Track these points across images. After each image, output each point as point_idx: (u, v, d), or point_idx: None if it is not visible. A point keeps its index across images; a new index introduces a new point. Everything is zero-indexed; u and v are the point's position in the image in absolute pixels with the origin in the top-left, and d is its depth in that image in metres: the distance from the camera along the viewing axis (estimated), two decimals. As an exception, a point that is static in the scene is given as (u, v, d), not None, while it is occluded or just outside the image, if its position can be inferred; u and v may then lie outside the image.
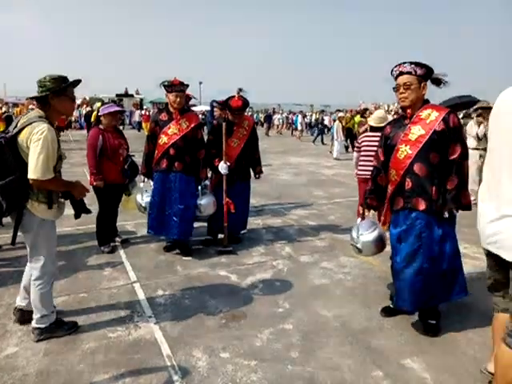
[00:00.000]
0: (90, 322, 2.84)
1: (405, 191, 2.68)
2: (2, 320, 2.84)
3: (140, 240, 4.48)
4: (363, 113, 9.93)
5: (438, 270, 2.68)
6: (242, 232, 4.67)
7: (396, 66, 2.63)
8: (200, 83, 43.62)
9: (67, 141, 16.63)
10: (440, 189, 2.60)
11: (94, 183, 4.07)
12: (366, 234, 2.91)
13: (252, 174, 4.55)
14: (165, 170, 3.91)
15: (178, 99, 3.82)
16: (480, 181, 6.82)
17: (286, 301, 3.22)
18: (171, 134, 3.88)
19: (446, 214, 2.61)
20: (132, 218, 5.08)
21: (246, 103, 4.15)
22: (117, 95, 30.73)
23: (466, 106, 8.11)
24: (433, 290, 2.70)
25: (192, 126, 3.92)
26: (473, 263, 4.07)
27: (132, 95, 31.89)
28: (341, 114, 13.06)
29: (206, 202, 4.05)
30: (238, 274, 3.70)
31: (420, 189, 2.62)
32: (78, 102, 27.95)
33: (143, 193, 4.15)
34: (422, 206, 2.63)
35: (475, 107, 6.89)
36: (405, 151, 2.66)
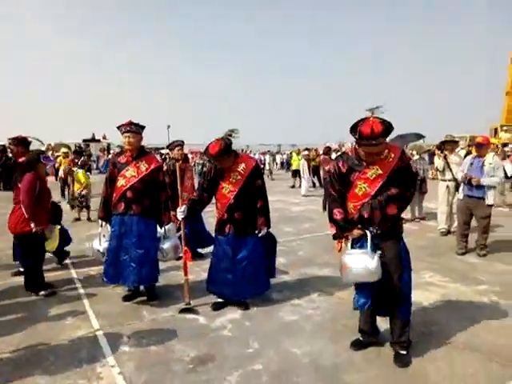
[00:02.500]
0: (49, 374, 2.66)
1: (358, 222, 2.82)
2: None
3: (104, 286, 4.30)
4: (327, 151, 10.25)
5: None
6: (249, 296, 3.82)
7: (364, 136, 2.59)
8: (168, 127, 44.08)
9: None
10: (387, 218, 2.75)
11: (35, 229, 4.05)
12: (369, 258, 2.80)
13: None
14: (122, 214, 3.82)
15: (128, 139, 3.79)
16: (450, 210, 6.95)
17: (255, 340, 3.15)
18: (129, 176, 3.83)
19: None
20: (93, 263, 4.91)
21: (225, 147, 3.48)
22: (83, 140, 30.48)
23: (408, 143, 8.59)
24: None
25: (151, 168, 3.87)
26: (439, 292, 4.16)
27: (99, 140, 31.73)
28: (305, 153, 13.43)
29: (168, 246, 3.93)
30: (206, 316, 3.60)
31: (371, 219, 2.77)
32: (43, 148, 27.54)
33: (101, 238, 4.00)
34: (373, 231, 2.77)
35: (441, 141, 7.22)
36: (363, 189, 2.77)
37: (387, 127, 2.60)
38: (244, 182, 3.58)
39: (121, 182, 3.85)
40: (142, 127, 3.95)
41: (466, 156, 6.66)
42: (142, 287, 4.10)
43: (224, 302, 3.76)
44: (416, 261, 5.19)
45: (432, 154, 8.06)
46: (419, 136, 8.10)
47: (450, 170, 6.74)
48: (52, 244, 4.49)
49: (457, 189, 6.72)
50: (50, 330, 3.34)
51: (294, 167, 15.79)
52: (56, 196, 12.60)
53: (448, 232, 6.85)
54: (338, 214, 2.90)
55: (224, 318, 3.57)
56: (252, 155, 31.27)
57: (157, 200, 3.94)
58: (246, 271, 3.61)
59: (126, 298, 3.99)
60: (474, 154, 5.78)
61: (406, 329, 2.84)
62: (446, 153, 6.83)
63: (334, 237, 2.98)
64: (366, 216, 2.77)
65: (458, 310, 3.70)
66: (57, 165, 14.39)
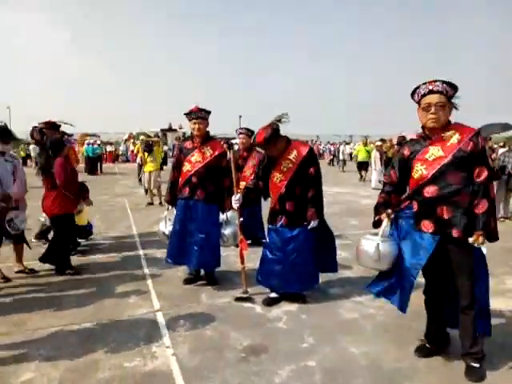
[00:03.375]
0: (109, 350, 2.80)
1: (413, 213, 2.56)
2: (22, 346, 2.86)
3: (168, 268, 4.45)
4: (401, 142, 9.60)
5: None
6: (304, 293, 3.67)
7: (425, 84, 2.46)
8: (240, 117, 44.79)
9: (114, 173, 17.45)
10: (458, 210, 2.40)
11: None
12: (387, 242, 2.64)
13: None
14: (187, 198, 3.90)
15: (197, 126, 3.85)
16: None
17: (311, 335, 3.03)
18: (194, 161, 3.90)
19: (471, 241, 2.39)
20: (160, 246, 5.10)
21: (272, 134, 3.31)
22: (161, 130, 32.13)
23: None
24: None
25: (216, 154, 3.90)
26: (523, 300, 3.67)
27: (175, 130, 33.22)
28: (378, 143, 12.75)
29: (229, 232, 3.96)
30: (262, 306, 3.55)
31: (427, 211, 2.48)
32: (125, 136, 29.56)
33: (166, 221, 4.14)
34: (430, 228, 2.47)
35: None
36: (419, 171, 2.50)
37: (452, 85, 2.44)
38: (295, 171, 3.36)
39: (186, 166, 3.94)
40: (209, 112, 3.97)
41: None
42: (202, 271, 4.17)
43: (277, 298, 3.62)
44: (499, 264, 4.73)
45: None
46: (508, 126, 7.23)
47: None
48: (82, 219, 5.18)
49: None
50: (115, 307, 3.52)
51: (359, 159, 15.03)
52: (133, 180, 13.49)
53: (540, 234, 6.06)
54: (379, 197, 2.76)
55: (280, 309, 3.49)
56: (322, 146, 30.94)
57: (220, 186, 3.97)
58: (295, 264, 3.42)
59: (187, 281, 4.09)
60: None
61: (478, 340, 2.53)
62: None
63: (373, 224, 2.78)
64: (414, 209, 2.54)
65: (547, 322, 3.23)
66: (134, 151, 15.29)
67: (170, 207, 4.13)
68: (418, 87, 2.51)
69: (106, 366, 2.60)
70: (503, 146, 7.67)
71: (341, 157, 21.50)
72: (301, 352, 2.80)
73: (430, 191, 2.46)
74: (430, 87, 2.44)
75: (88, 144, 18.43)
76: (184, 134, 32.05)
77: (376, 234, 2.66)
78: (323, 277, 4.26)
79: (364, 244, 2.68)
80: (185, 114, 3.97)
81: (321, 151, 30.64)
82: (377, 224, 2.75)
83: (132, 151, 21.21)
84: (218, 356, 2.74)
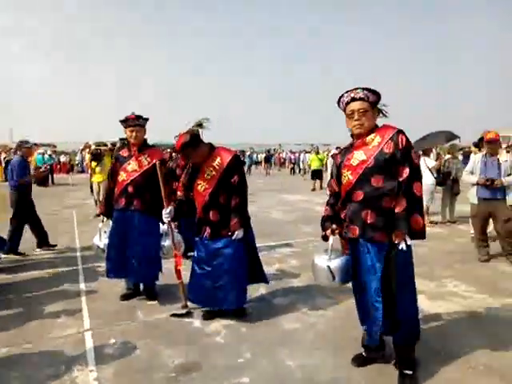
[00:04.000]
0: (24, 377, 2.54)
1: (344, 220, 2.56)
2: None
3: (106, 283, 4.20)
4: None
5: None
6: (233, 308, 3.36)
7: (347, 92, 2.48)
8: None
9: (67, 184, 16.71)
10: (382, 214, 2.38)
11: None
12: (337, 259, 2.60)
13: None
14: (123, 209, 3.70)
15: (134, 134, 3.67)
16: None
17: (249, 350, 2.90)
18: (130, 170, 3.70)
19: (397, 242, 2.34)
20: (102, 260, 4.82)
21: (190, 140, 3.14)
22: (120, 139, 31.27)
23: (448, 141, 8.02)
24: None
25: (154, 161, 3.71)
26: (462, 303, 3.74)
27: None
28: (334, 151, 12.98)
29: (169, 244, 3.74)
30: (201, 320, 3.39)
31: (354, 216, 2.46)
32: (81, 146, 28.49)
33: (101, 234, 3.89)
34: (356, 233, 2.46)
35: (479, 138, 6.70)
36: (346, 177, 2.49)
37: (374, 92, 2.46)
38: (219, 179, 3.18)
39: (122, 176, 3.74)
40: (146, 119, 3.82)
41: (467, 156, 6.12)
42: (142, 286, 3.96)
43: (216, 311, 3.42)
44: (441, 267, 4.83)
45: (467, 155, 7.48)
46: (453, 136, 7.53)
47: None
48: None
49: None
50: (40, 328, 3.25)
51: (312, 167, 14.55)
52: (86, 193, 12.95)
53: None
54: (324, 211, 2.72)
55: (219, 323, 3.34)
56: (284, 155, 31.18)
57: (159, 195, 3.77)
58: (223, 279, 3.22)
59: (124, 297, 3.86)
60: (482, 152, 5.33)
61: (411, 347, 2.50)
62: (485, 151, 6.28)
63: (322, 238, 2.71)
64: (345, 216, 2.53)
65: (481, 324, 3.28)
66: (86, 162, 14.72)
67: (105, 219, 3.90)
68: (341, 96, 2.52)
69: (16, 396, 2.36)
70: (448, 153, 7.97)
71: (301, 165, 21.78)
72: (236, 368, 2.67)
73: (357, 196, 2.45)
74: (352, 95, 2.46)
75: (39, 154, 17.57)
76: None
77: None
78: (268, 287, 4.19)
79: (316, 263, 2.63)
80: (120, 122, 3.78)
81: (282, 160, 31.01)
82: (325, 239, 2.69)
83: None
84: (146, 377, 2.56)
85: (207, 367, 2.67)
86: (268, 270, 4.82)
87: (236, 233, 3.21)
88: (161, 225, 3.84)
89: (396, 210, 2.36)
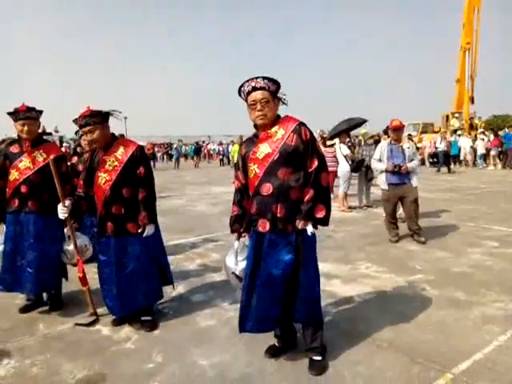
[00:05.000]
0: None
1: (251, 215, 2.50)
2: None
3: (3, 295, 3.76)
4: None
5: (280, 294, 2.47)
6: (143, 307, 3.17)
7: (247, 82, 2.41)
8: (125, 118, 42.55)
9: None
10: (291, 206, 2.39)
11: None
12: (243, 261, 2.60)
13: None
14: (16, 211, 3.32)
15: (26, 128, 3.28)
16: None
17: (160, 353, 2.76)
18: (23, 168, 3.32)
19: (300, 226, 2.39)
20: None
21: (102, 112, 3.01)
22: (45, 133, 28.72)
23: (356, 126, 8.47)
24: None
25: (50, 158, 3.31)
26: (372, 284, 3.93)
27: (50, 133, 30.02)
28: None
29: (73, 247, 3.37)
30: (111, 326, 3.18)
31: (263, 209, 2.42)
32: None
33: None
34: (266, 227, 2.42)
35: (387, 126, 7.05)
36: (253, 170, 2.45)
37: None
38: (121, 170, 2.97)
39: (14, 175, 3.34)
40: (41, 112, 3.45)
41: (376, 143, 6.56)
42: (45, 296, 3.61)
43: (127, 316, 3.20)
44: (356, 251, 5.06)
45: (377, 142, 7.94)
46: (359, 121, 7.98)
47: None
48: None
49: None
50: None
51: (235, 160, 14.94)
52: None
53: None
54: (232, 211, 2.66)
55: (131, 328, 3.15)
56: (211, 146, 30.98)
57: (57, 194, 3.42)
58: (130, 281, 3.03)
59: (25, 309, 3.48)
60: (387, 139, 5.75)
61: (317, 333, 2.55)
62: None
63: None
64: (253, 210, 2.48)
65: (388, 303, 3.47)
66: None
67: None
68: (242, 85, 2.45)
69: None
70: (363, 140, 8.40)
71: (230, 157, 21.72)
72: (144, 374, 2.52)
73: (265, 190, 2.40)
74: (253, 84, 2.39)
75: None
76: (61, 138, 29.19)
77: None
78: (187, 284, 4.07)
79: (226, 265, 2.68)
80: (9, 114, 3.35)
81: (211, 152, 30.77)
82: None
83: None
84: (41, 398, 2.31)
85: (113, 377, 2.49)
86: (189, 265, 4.73)
87: (147, 228, 3.03)
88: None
89: (304, 200, 2.38)
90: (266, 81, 2.39)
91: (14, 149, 3.42)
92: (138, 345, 2.89)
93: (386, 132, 7.05)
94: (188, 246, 5.62)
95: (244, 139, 2.77)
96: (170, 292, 3.74)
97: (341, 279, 4.07)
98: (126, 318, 3.21)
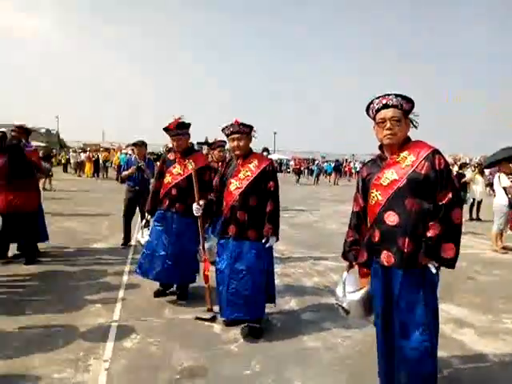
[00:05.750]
0: (45, 358, 2.73)
1: (373, 244, 2.29)
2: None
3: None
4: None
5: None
6: (252, 321, 3.25)
7: (377, 98, 2.26)
8: (274, 133, 45.26)
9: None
10: (417, 241, 2.14)
11: None
12: (353, 293, 2.48)
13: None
14: (165, 210, 3.84)
15: (175, 143, 3.83)
16: None
17: (260, 362, 2.82)
18: (175, 173, 3.85)
19: (423, 262, 2.13)
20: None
21: (249, 126, 3.29)
22: (197, 143, 32.69)
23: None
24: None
25: (199, 166, 3.81)
26: (515, 343, 3.26)
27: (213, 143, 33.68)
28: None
29: (207, 247, 3.70)
30: (223, 325, 3.38)
31: (388, 241, 2.21)
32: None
33: (143, 231, 4.06)
34: (390, 260, 2.19)
35: None
36: (375, 197, 2.28)
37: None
38: (253, 180, 3.18)
39: (167, 178, 3.89)
40: (189, 125, 3.90)
41: None
42: (174, 286, 4.07)
43: (240, 320, 3.31)
44: (503, 300, 4.27)
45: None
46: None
47: None
48: None
49: None
50: (74, 315, 3.47)
51: None
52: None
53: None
54: (347, 236, 2.52)
55: (239, 330, 3.29)
56: (356, 165, 30.31)
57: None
58: (241, 286, 3.14)
59: (157, 294, 3.99)
60: None
61: None
62: None
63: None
64: (375, 239, 2.28)
65: (533, 372, 2.82)
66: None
67: (150, 216, 4.06)
68: (371, 102, 2.30)
69: (32, 376, 2.53)
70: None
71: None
72: (239, 379, 2.61)
73: (390, 220, 2.21)
74: (384, 101, 2.24)
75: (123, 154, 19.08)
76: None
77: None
78: (300, 300, 4.07)
79: (336, 295, 2.54)
80: (164, 130, 3.85)
81: (352, 170, 30.08)
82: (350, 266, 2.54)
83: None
84: (152, 376, 2.60)
85: (212, 374, 2.64)
86: (306, 282, 4.71)
87: (270, 239, 3.17)
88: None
89: (428, 234, 2.13)
90: (399, 98, 2.21)
91: (171, 156, 4.00)
92: (242, 349, 3.01)
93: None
94: (310, 262, 5.59)
95: (367, 160, 2.61)
96: (280, 305, 3.79)
97: (475, 330, 3.49)
98: (238, 321, 3.37)
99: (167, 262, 3.77)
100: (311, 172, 27.29)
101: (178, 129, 3.80)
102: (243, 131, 3.27)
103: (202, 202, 3.44)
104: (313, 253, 6.13)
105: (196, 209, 3.45)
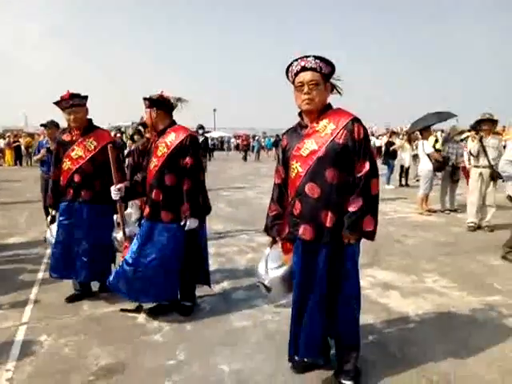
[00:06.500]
0: None
1: (294, 217, 2.19)
2: None
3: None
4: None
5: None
6: (184, 303, 3.22)
7: (296, 61, 2.11)
8: (214, 110, 44.43)
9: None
10: (339, 214, 2.09)
11: None
12: (276, 269, 2.38)
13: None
14: (71, 200, 3.37)
15: (72, 116, 3.28)
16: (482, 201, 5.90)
17: (185, 349, 2.67)
18: (75, 157, 3.35)
19: (346, 241, 2.11)
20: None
21: (163, 97, 3.03)
22: (133, 123, 31.16)
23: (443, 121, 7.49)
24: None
25: (102, 145, 3.36)
26: (437, 301, 3.41)
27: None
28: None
29: (127, 233, 3.32)
30: (148, 315, 3.18)
31: (309, 214, 2.12)
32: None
33: (51, 228, 3.56)
34: (310, 234, 2.12)
35: (476, 120, 6.12)
36: (295, 169, 2.17)
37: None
38: (167, 156, 2.93)
39: (66, 164, 3.37)
40: (85, 97, 3.40)
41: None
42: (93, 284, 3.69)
43: (167, 306, 3.19)
44: (425, 260, 4.48)
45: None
46: (449, 115, 7.06)
47: (486, 154, 5.75)
48: None
49: (492, 178, 5.74)
50: (-24, 320, 3.09)
51: None
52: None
53: (478, 227, 5.89)
54: (269, 209, 2.43)
55: (166, 318, 3.11)
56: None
57: (110, 182, 3.47)
58: (149, 270, 2.95)
59: (71, 299, 3.48)
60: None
61: (351, 355, 2.22)
62: (482, 134, 5.82)
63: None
64: (296, 213, 2.19)
65: (450, 327, 2.96)
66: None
67: (54, 212, 3.56)
68: (290, 64, 2.15)
69: None
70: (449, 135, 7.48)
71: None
72: (162, 370, 2.44)
73: (310, 192, 2.12)
74: (303, 63, 2.09)
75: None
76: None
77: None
78: (233, 280, 3.96)
79: (257, 273, 2.45)
80: (55, 103, 3.34)
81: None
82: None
83: None
84: (63, 379, 2.35)
85: (133, 369, 2.45)
86: (240, 260, 4.61)
87: (188, 222, 2.93)
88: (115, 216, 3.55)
89: (350, 209, 2.07)
90: (317, 61, 2.07)
91: (67, 137, 3.44)
92: (166, 338, 2.84)
93: (474, 127, 6.12)
94: (245, 239, 5.51)
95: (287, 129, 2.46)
96: (212, 287, 3.65)
97: (400, 291, 3.61)
98: (164, 308, 3.19)
99: (83, 259, 3.38)
100: (252, 148, 27.21)
101: (71, 99, 3.28)
102: (150, 105, 3.00)
103: (120, 185, 3.07)
104: (248, 229, 6.04)
105: (114, 191, 3.07)
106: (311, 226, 2.13)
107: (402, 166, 10.97)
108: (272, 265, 2.38)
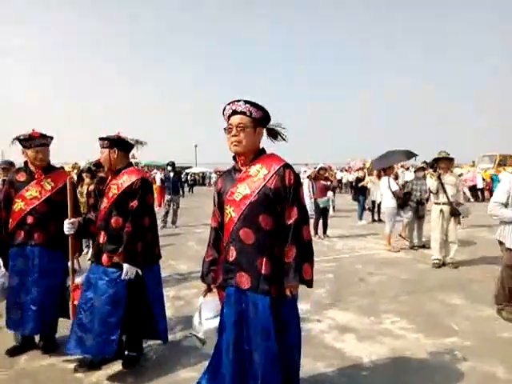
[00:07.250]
0: None
1: (228, 263, 2.12)
2: None
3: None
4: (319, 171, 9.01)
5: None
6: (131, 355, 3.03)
7: (228, 104, 2.15)
8: (195, 146, 44.93)
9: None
10: (274, 261, 2.05)
11: None
12: (211, 319, 2.28)
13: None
14: (21, 244, 3.18)
15: (41, 155, 3.22)
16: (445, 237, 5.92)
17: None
18: (30, 197, 3.21)
19: (288, 293, 2.05)
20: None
21: (120, 139, 2.98)
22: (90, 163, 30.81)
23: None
24: None
25: (59, 186, 3.27)
26: (391, 345, 3.32)
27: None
28: (308, 172, 12.68)
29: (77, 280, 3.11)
30: (89, 367, 2.97)
31: (244, 261, 2.07)
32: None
33: (3, 275, 3.26)
34: (247, 282, 2.05)
35: (434, 158, 6.32)
36: (229, 214, 2.14)
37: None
38: (115, 198, 2.85)
39: (19, 205, 3.21)
40: (51, 138, 3.35)
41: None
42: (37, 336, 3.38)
43: (108, 359, 2.98)
44: (386, 300, 4.40)
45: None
46: (411, 154, 7.26)
47: (445, 191, 5.87)
48: None
49: (453, 214, 5.84)
50: None
51: None
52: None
53: (443, 264, 5.91)
54: (206, 255, 2.34)
55: (106, 371, 2.92)
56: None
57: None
58: (91, 318, 2.77)
59: (12, 352, 3.21)
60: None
61: None
62: (441, 172, 5.98)
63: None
64: (230, 259, 2.13)
65: (404, 373, 2.87)
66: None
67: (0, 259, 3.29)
68: (224, 108, 2.18)
69: None
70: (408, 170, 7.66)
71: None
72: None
73: (246, 238, 2.07)
74: (234, 107, 2.13)
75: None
76: (136, 164, 31.19)
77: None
78: (183, 327, 3.79)
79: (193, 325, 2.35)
80: (20, 141, 3.24)
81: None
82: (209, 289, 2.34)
83: None
84: None
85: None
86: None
87: (125, 267, 2.75)
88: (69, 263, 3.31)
89: (286, 260, 2.04)
90: (247, 105, 2.10)
91: (21, 177, 3.32)
92: (104, 393, 2.66)
93: (432, 165, 6.30)
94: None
95: (223, 172, 2.45)
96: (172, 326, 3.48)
97: (356, 335, 3.51)
98: (106, 360, 3.00)
99: (31, 308, 3.12)
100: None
101: (43, 138, 3.23)
102: (106, 146, 2.94)
103: (73, 220, 2.96)
104: (213, 270, 5.90)
105: (67, 225, 2.95)
106: (248, 273, 2.06)
107: (373, 202, 11.08)
108: (207, 315, 2.28)
